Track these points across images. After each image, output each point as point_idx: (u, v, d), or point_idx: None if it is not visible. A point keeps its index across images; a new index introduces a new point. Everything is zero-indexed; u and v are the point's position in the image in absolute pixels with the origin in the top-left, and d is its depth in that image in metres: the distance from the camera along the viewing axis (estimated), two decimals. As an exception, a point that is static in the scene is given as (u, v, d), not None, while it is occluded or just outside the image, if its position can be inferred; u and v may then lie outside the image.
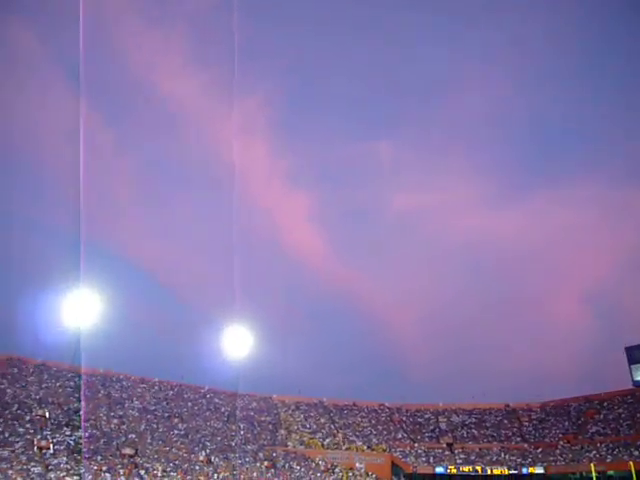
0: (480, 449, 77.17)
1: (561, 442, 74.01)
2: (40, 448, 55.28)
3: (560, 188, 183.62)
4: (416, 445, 79.26)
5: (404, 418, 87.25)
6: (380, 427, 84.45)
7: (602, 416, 75.86)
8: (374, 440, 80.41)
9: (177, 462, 61.83)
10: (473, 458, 74.90)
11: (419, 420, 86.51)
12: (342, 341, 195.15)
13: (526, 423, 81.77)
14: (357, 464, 73.98)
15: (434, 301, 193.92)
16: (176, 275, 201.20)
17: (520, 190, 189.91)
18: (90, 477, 53.08)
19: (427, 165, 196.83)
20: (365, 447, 78.50)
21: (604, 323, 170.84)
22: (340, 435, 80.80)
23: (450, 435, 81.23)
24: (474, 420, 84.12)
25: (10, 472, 49.88)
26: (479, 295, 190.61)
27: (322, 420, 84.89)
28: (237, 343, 73.36)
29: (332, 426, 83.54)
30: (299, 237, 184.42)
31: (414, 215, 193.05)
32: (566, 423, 77.54)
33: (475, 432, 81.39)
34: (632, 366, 75.39)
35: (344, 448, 77.43)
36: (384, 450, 77.96)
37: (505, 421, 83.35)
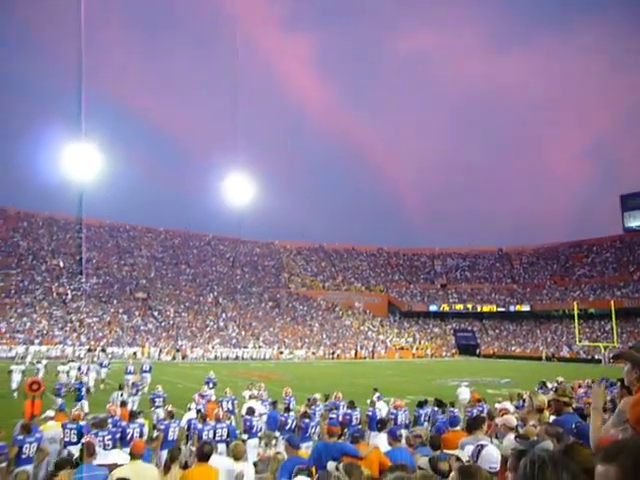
0: (472, 289, 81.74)
1: (548, 283, 78.04)
2: (59, 294, 59.06)
3: (563, 33, 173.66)
4: (412, 286, 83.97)
5: (401, 261, 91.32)
6: (378, 270, 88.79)
7: (590, 260, 79.20)
8: (372, 282, 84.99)
9: (187, 304, 66.17)
10: (465, 297, 79.69)
11: (415, 263, 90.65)
12: (342, 188, 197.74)
13: (517, 266, 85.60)
14: (356, 303, 78.86)
15: (432, 148, 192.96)
16: (178, 126, 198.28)
17: (522, 37, 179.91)
18: (108, 318, 57.36)
19: (429, 8, 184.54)
20: (363, 288, 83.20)
21: (602, 174, 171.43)
22: (340, 277, 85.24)
23: (444, 277, 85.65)
24: (468, 263, 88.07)
25: (34, 316, 53.89)
26: (478, 142, 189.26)
27: (323, 264, 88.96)
28: (239, 191, 74.40)
29: (332, 269, 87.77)
30: (299, 84, 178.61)
31: (415, 59, 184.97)
32: (555, 266, 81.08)
33: (468, 274, 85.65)
34: (625, 213, 77.26)
35: (344, 289, 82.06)
36: (381, 291, 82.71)
37: (497, 264, 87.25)
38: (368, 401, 14.41)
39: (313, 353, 58.64)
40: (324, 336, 65.80)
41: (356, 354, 61.26)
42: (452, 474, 2.55)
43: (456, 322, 77.17)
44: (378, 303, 79.87)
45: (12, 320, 51.78)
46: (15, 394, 22.99)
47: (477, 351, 68.26)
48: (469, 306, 77.36)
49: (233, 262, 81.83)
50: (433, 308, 78.36)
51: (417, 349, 66.96)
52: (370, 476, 4.03)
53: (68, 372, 24.66)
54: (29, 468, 8.66)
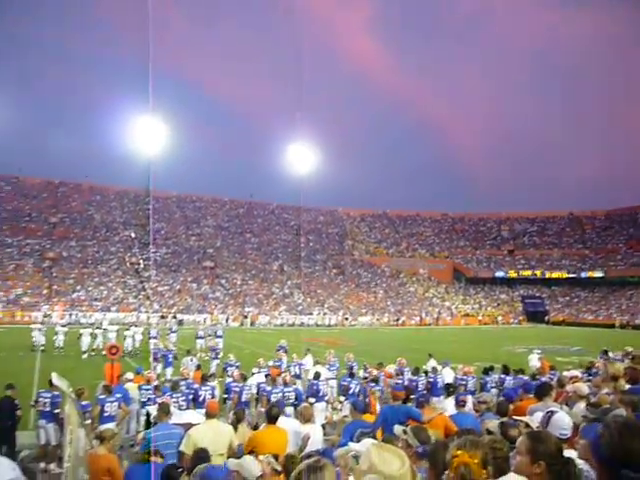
0: (541, 255, 79.33)
1: (624, 248, 74.68)
2: (132, 264, 61.63)
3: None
4: (477, 252, 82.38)
5: (466, 227, 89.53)
6: (443, 236, 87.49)
7: (669, 222, 75.10)
8: (437, 248, 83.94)
9: (253, 272, 67.61)
10: (533, 263, 77.52)
11: (481, 229, 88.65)
12: (406, 154, 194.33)
13: (589, 230, 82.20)
14: (420, 270, 78.25)
15: (499, 111, 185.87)
16: (239, 96, 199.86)
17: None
18: (178, 287, 59.49)
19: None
20: (428, 255, 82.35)
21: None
22: (404, 244, 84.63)
23: (511, 242, 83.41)
24: (536, 228, 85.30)
25: (110, 285, 56.60)
26: (546, 104, 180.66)
27: (386, 230, 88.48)
28: (302, 159, 74.46)
29: (396, 236, 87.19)
30: (361, 49, 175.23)
31: (479, 17, 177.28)
32: (631, 230, 77.31)
33: (536, 239, 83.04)
34: None
35: (408, 256, 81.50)
36: (446, 257, 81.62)
37: (567, 229, 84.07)
38: (423, 367, 14.42)
39: (377, 320, 58.88)
40: (388, 303, 65.87)
41: (421, 321, 61.06)
42: (521, 439, 2.52)
43: (524, 289, 75.32)
44: (443, 269, 78.95)
45: (90, 289, 54.59)
46: (84, 356, 24.66)
47: (546, 318, 66.55)
48: (537, 272, 75.30)
49: (297, 230, 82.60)
50: (500, 274, 76.77)
51: (483, 316, 66.00)
52: (438, 439, 4.04)
53: (133, 336, 26.29)
54: (112, 425, 9.21)
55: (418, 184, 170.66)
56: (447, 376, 13.55)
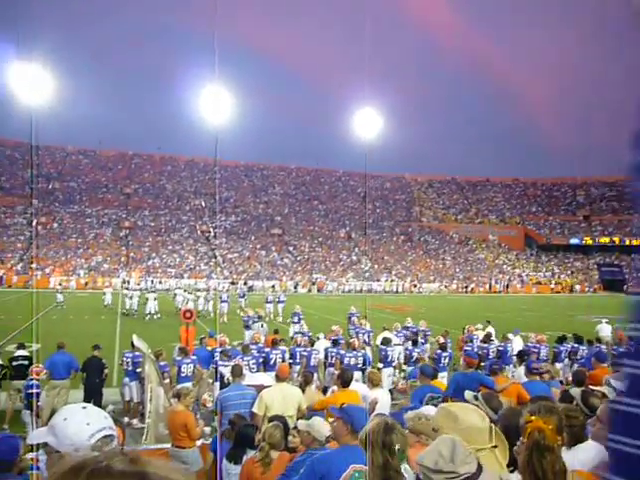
0: (619, 221, 75.55)
1: None
2: (202, 232, 63.47)
3: None
4: (551, 218, 79.42)
5: (539, 192, 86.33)
6: (514, 201, 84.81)
7: None
8: (507, 214, 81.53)
9: (320, 239, 68.11)
10: (611, 230, 74.03)
11: (555, 194, 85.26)
12: (476, 118, 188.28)
13: (674, 193, 77.29)
14: (490, 236, 76.39)
15: (576, 76, 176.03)
16: (305, 63, 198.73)
17: None
18: (247, 254, 60.84)
19: None
20: (498, 221, 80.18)
21: None
22: (473, 210, 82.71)
23: (588, 208, 79.83)
24: (614, 193, 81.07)
25: (182, 252, 58.58)
26: (626, 69, 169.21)
27: (455, 196, 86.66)
28: (368, 125, 73.69)
29: (465, 202, 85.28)
30: (430, 11, 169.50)
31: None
32: None
33: (615, 204, 79.02)
34: None
35: (477, 222, 79.65)
36: (517, 223, 79.21)
37: (650, 192, 79.34)
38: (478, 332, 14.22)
39: (446, 286, 58.23)
40: (457, 270, 64.92)
41: (490, 288, 59.91)
42: (602, 407, 2.46)
43: (600, 256, 72.15)
44: (514, 236, 76.72)
45: (164, 256, 56.72)
46: (147, 317, 26.36)
47: (624, 287, 63.72)
48: (616, 239, 71.83)
49: (364, 197, 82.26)
50: (574, 241, 73.82)
51: (556, 284, 63.95)
52: (510, 406, 4.00)
53: (196, 301, 27.81)
54: (189, 385, 9.69)
55: (488, 149, 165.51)
56: (517, 344, 13.33)
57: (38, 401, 9.09)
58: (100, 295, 31.62)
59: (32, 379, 9.14)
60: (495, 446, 1.99)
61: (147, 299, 27.52)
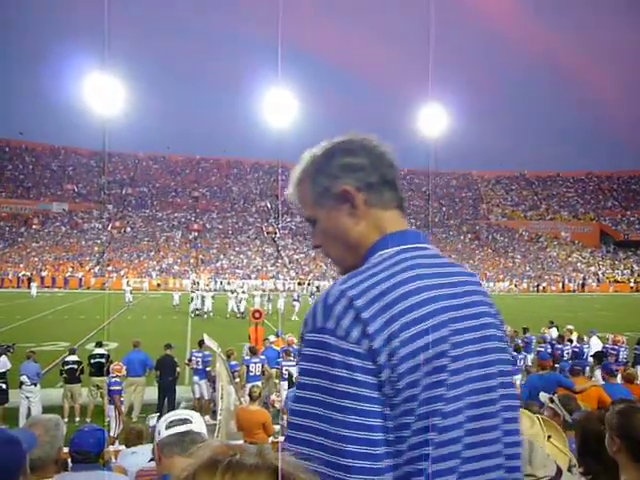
0: None
1: None
2: (269, 233, 64.46)
3: None
4: (628, 213, 75.67)
5: (615, 186, 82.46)
6: (587, 196, 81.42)
7: None
8: (580, 210, 78.37)
9: (385, 239, 67.61)
10: (695, 224, 69.90)
11: (633, 187, 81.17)
12: (544, 111, 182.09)
13: None
14: (562, 233, 73.63)
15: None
16: (366, 63, 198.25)
17: None
18: (313, 254, 61.19)
19: None
20: (571, 217, 77.17)
21: None
22: (544, 206, 79.99)
23: (669, 201, 75.65)
24: (700, 184, 76.56)
25: (249, 253, 59.67)
26: None
27: (524, 192, 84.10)
28: (432, 122, 72.37)
29: (535, 198, 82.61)
30: (493, 3, 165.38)
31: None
32: None
33: (700, 197, 74.56)
34: None
35: (548, 219, 76.99)
36: (592, 219, 75.96)
37: None
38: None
39: (516, 286, 56.54)
40: (527, 268, 62.93)
41: (563, 287, 57.67)
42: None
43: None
44: (588, 232, 73.58)
45: (232, 257, 57.96)
46: (205, 316, 27.43)
47: None
48: None
49: (429, 195, 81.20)
50: (655, 237, 70.04)
51: (635, 282, 60.78)
52: (588, 411, 3.84)
53: (250, 301, 28.49)
54: (259, 384, 9.87)
55: (559, 143, 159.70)
56: (594, 345, 12.78)
57: (121, 397, 9.53)
58: (171, 296, 32.67)
59: (113, 376, 9.58)
60: (549, 436, 1.92)
61: (204, 297, 28.66)
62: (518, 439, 1.12)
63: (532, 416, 2.04)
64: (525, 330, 14.98)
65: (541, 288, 56.32)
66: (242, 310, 27.52)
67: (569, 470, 1.44)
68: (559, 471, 1.37)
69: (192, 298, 29.70)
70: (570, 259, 66.70)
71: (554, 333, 14.44)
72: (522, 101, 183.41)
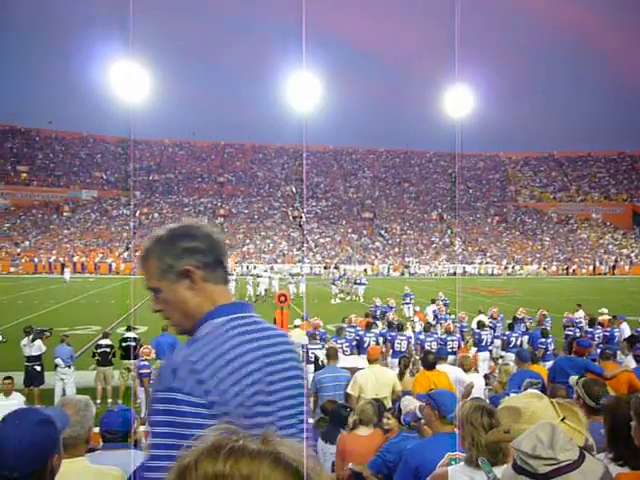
0: None
1: None
2: (294, 218, 64.61)
3: None
4: (662, 193, 73.80)
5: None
6: (620, 177, 79.49)
7: None
8: (612, 190, 76.62)
9: (412, 222, 67.33)
10: None
11: (667, 166, 79.04)
12: (574, 89, 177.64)
13: None
14: (593, 215, 72.20)
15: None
16: (390, 45, 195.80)
17: None
18: (339, 238, 61.28)
19: None
20: (602, 198, 75.51)
21: None
22: (574, 187, 78.46)
23: None
24: None
25: (275, 238, 59.96)
26: None
27: (553, 173, 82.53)
28: (458, 103, 71.10)
29: (564, 179, 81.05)
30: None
31: None
32: None
33: None
34: None
35: (578, 200, 75.50)
36: (624, 200, 74.16)
37: None
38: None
39: (544, 269, 55.80)
40: (557, 251, 61.99)
41: (594, 270, 56.68)
42: None
43: None
44: (620, 214, 71.90)
45: (258, 242, 58.31)
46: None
47: None
48: None
49: (456, 177, 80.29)
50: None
51: (669, 264, 59.39)
52: (617, 395, 3.78)
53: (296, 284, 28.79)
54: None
55: (589, 121, 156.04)
56: (624, 330, 12.57)
57: (150, 379, 9.74)
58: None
59: (142, 359, 9.80)
60: (564, 418, 1.91)
61: (246, 283, 28.68)
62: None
63: (541, 395, 2.04)
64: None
65: (571, 271, 55.47)
66: (260, 293, 27.79)
67: (584, 448, 1.44)
68: (582, 455, 1.36)
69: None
70: (601, 241, 65.46)
71: (582, 316, 14.20)
72: (551, 81, 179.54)
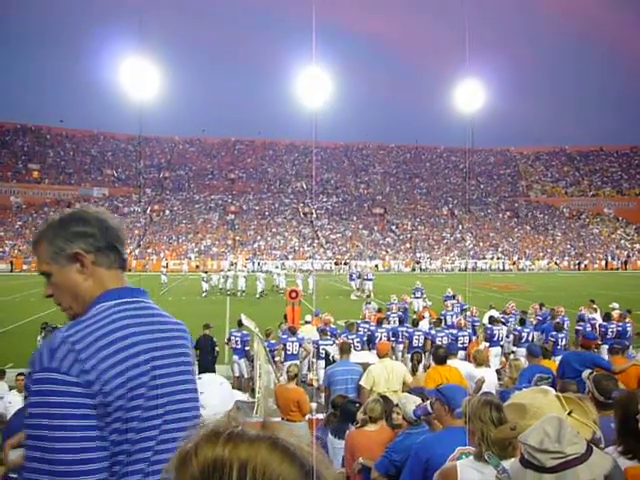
0: None
1: None
2: (305, 214, 64.63)
3: None
4: (676, 186, 72.98)
5: (662, 160, 79.54)
6: (632, 171, 78.71)
7: None
8: (625, 185, 75.94)
9: (423, 217, 67.10)
10: None
11: (680, 160, 78.18)
12: (585, 83, 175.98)
13: None
14: (605, 209, 71.58)
15: None
16: (401, 40, 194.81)
17: None
18: (350, 234, 61.22)
19: None
20: (615, 192, 74.86)
21: None
22: (585, 182, 77.84)
23: None
24: None
25: (286, 234, 59.99)
26: None
27: (565, 168, 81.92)
28: (469, 98, 70.73)
29: (576, 173, 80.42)
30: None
31: None
32: None
33: None
34: None
35: (590, 195, 74.90)
36: (637, 195, 73.41)
37: None
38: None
39: (556, 264, 55.39)
40: (568, 246, 61.55)
41: (606, 265, 56.19)
42: None
43: None
44: (633, 208, 71.17)
45: (268, 239, 58.39)
46: (239, 294, 28.12)
47: None
48: None
49: (467, 173, 79.91)
50: None
51: (683, 259, 58.74)
52: (628, 390, 3.77)
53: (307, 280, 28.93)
54: (297, 362, 10.04)
55: (601, 116, 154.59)
56: (629, 325, 12.48)
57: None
58: (209, 277, 33.14)
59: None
60: (570, 412, 1.91)
61: (237, 276, 29.18)
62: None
63: (547, 390, 2.04)
64: (541, 306, 14.82)
65: (583, 266, 55.05)
66: (276, 286, 27.89)
67: (592, 442, 1.44)
68: (589, 448, 1.37)
69: (226, 277, 30.36)
70: (613, 236, 64.92)
71: (595, 312, 14.13)
72: (562, 75, 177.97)
